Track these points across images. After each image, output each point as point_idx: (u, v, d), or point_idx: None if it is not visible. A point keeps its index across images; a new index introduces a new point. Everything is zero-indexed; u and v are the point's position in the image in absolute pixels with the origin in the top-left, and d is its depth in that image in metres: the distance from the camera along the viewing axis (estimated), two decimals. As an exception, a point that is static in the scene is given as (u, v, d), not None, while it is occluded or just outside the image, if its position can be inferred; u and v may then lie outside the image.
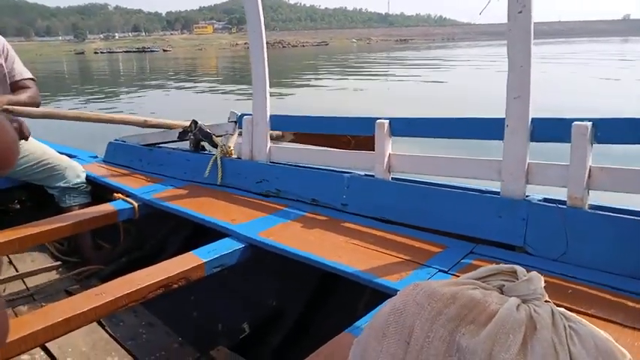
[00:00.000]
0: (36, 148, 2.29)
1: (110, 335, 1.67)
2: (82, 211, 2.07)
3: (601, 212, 1.25)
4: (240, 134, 2.19)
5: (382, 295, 1.17)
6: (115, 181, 2.28)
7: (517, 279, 0.78)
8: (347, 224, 1.64)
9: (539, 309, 0.71)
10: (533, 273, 0.78)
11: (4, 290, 2.01)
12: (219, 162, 2.13)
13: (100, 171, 2.47)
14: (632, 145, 1.26)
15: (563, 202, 1.31)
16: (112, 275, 1.74)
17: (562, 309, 0.75)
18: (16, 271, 2.15)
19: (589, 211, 1.27)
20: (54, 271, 2.19)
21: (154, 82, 18.33)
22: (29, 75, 2.32)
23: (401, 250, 1.41)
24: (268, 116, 2.03)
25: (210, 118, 2.37)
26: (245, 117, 2.11)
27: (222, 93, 12.46)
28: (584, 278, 1.17)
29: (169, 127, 2.49)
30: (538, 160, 1.39)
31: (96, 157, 2.75)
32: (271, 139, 2.17)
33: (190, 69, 27.85)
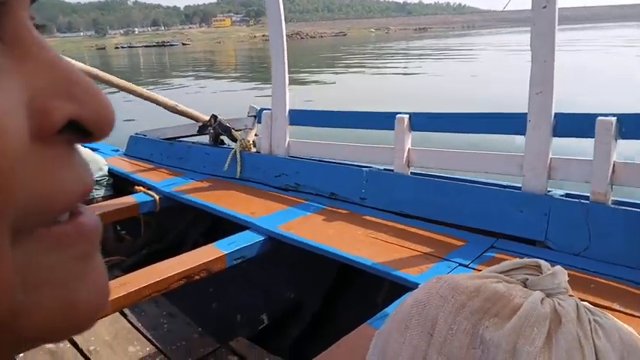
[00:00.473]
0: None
1: (132, 325, 1.70)
2: (104, 203, 2.11)
3: (624, 207, 1.24)
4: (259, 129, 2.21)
5: (401, 287, 1.18)
6: (136, 174, 2.31)
7: (541, 273, 0.78)
8: (366, 218, 1.65)
9: (563, 302, 0.71)
10: (558, 267, 0.78)
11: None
12: (238, 156, 2.15)
13: (122, 164, 2.51)
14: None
15: (585, 198, 1.30)
16: (133, 267, 1.77)
17: (586, 303, 0.75)
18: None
19: (612, 206, 1.26)
20: (77, 263, 2.23)
21: (174, 77, 18.42)
22: None
23: (420, 244, 1.41)
24: (287, 111, 2.04)
25: (230, 112, 2.39)
26: (264, 111, 2.13)
27: (242, 88, 12.49)
28: (606, 273, 1.16)
29: (195, 119, 2.51)
30: (560, 155, 1.38)
31: (117, 150, 2.79)
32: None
33: (209, 63, 27.89)
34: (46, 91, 0.17)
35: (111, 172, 2.40)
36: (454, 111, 1.78)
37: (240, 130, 2.29)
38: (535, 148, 1.39)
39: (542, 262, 0.80)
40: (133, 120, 6.36)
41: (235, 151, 2.17)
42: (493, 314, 0.71)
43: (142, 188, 2.12)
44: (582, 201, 1.29)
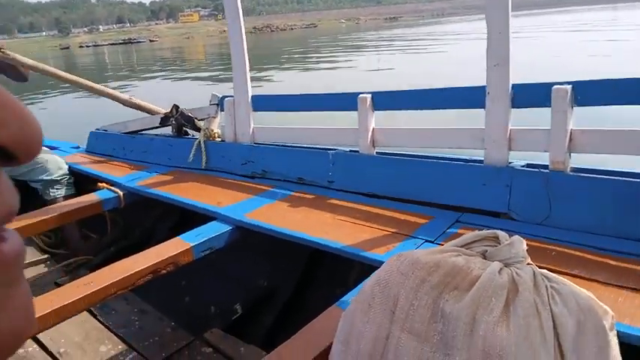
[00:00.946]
0: (15, 142, 2.25)
1: (102, 324, 1.67)
2: (66, 202, 2.05)
3: (583, 174, 1.26)
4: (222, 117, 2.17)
5: (371, 268, 1.18)
6: (98, 171, 2.25)
7: (499, 244, 0.79)
8: (333, 201, 1.64)
9: (520, 272, 0.71)
10: (515, 237, 0.79)
11: (-7, 286, 2.00)
12: (202, 146, 2.11)
13: (83, 161, 2.44)
14: (612, 106, 1.26)
15: (546, 167, 1.32)
16: (100, 265, 1.72)
17: (544, 270, 0.75)
18: (4, 266, 2.13)
19: (571, 174, 1.28)
20: (42, 264, 2.17)
21: (142, 74, 17.93)
22: None
23: (388, 223, 1.41)
24: (250, 97, 2.00)
25: (199, 104, 2.33)
26: (227, 99, 2.09)
27: (213, 80, 12.25)
28: (567, 240, 1.19)
29: (152, 111, 2.45)
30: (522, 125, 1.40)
31: (78, 147, 2.71)
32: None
33: (179, 59, 27.24)
34: None
35: (72, 171, 2.33)
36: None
37: (204, 119, 2.24)
38: (495, 121, 1.40)
39: (501, 233, 0.80)
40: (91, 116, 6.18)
41: (199, 141, 2.12)
42: (453, 287, 0.72)
43: (105, 185, 2.07)
44: (542, 170, 1.31)
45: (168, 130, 2.40)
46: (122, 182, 2.06)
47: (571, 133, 1.28)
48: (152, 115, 2.44)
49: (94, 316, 1.70)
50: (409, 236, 1.32)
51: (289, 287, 1.75)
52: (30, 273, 2.09)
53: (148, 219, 2.31)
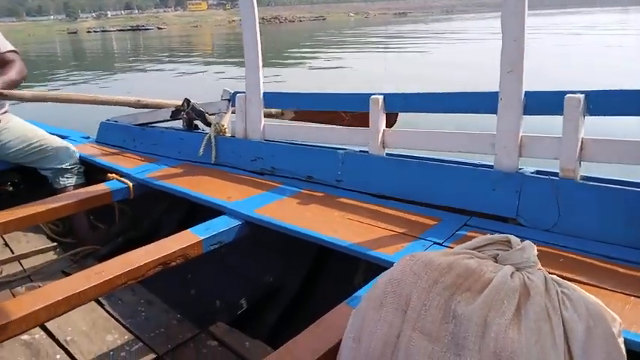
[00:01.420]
0: (27, 131, 2.27)
1: (109, 314, 1.68)
2: (76, 191, 2.07)
3: (592, 183, 1.27)
4: (233, 112, 2.18)
5: (378, 267, 1.19)
6: (108, 162, 2.27)
7: (511, 248, 0.80)
8: (342, 200, 1.66)
9: (532, 276, 0.73)
10: (527, 242, 0.80)
11: (1, 272, 2.02)
12: (212, 141, 2.13)
13: (93, 151, 2.46)
14: (624, 117, 1.27)
15: (556, 174, 1.33)
16: (108, 255, 1.74)
17: (555, 276, 0.77)
18: (12, 253, 2.15)
19: (580, 182, 1.29)
20: (50, 252, 2.19)
21: (149, 62, 17.92)
22: (11, 47, 2.27)
23: (396, 224, 1.43)
24: (262, 94, 2.02)
25: (209, 98, 2.34)
26: (238, 95, 2.10)
27: (221, 72, 12.26)
28: (575, 247, 1.20)
29: (162, 107, 2.47)
30: (532, 133, 1.41)
31: (88, 137, 2.73)
32: (271, 117, 2.16)
33: (187, 47, 27.17)
34: None
35: (82, 160, 2.35)
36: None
37: (214, 114, 2.26)
38: (506, 127, 1.41)
39: (512, 238, 0.82)
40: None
41: (210, 136, 2.14)
42: (465, 289, 0.73)
43: (114, 175, 2.08)
44: (552, 177, 1.32)
45: (178, 124, 2.42)
46: (132, 173, 2.07)
47: (582, 141, 1.29)
48: (163, 109, 2.46)
49: (101, 306, 1.71)
50: (417, 238, 1.33)
51: (295, 284, 1.77)
52: (38, 260, 2.11)
53: (157, 211, 2.33)
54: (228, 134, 2.17)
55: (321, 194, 1.72)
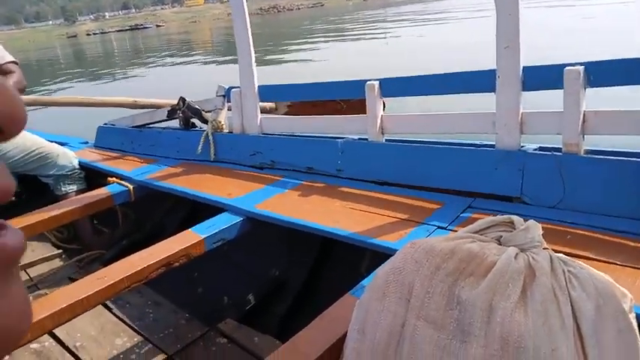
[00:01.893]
0: (26, 139, 2.26)
1: (117, 317, 1.68)
2: (78, 197, 2.06)
3: (597, 156, 1.24)
4: (229, 108, 2.16)
5: (383, 256, 1.17)
6: (108, 165, 2.26)
7: (514, 229, 0.78)
8: (343, 189, 1.64)
9: (537, 256, 0.70)
10: (530, 222, 0.78)
11: (8, 282, 2.02)
12: (210, 138, 2.11)
13: (92, 156, 2.45)
14: (625, 87, 1.24)
15: (559, 150, 1.30)
16: (113, 259, 1.74)
17: (561, 254, 0.74)
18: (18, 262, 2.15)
19: (585, 156, 1.26)
20: (56, 260, 2.19)
21: (149, 61, 17.84)
22: (11, 58, 2.27)
23: (399, 211, 1.41)
24: (256, 87, 1.99)
25: (211, 94, 2.31)
26: (233, 90, 2.07)
27: (223, 68, 12.17)
28: (582, 223, 1.17)
29: (159, 107, 2.45)
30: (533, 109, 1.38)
31: (86, 142, 2.72)
32: (265, 112, 2.14)
33: (186, 44, 26.98)
34: None
35: (82, 166, 2.34)
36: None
37: (211, 111, 2.23)
38: (506, 104, 1.38)
39: (515, 218, 0.79)
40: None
41: (207, 133, 2.12)
42: (468, 274, 0.71)
43: (115, 179, 2.08)
44: (555, 153, 1.29)
45: (175, 123, 2.40)
46: (132, 176, 2.06)
47: (584, 114, 1.26)
48: (159, 109, 2.44)
49: (109, 310, 1.71)
50: (421, 223, 1.31)
51: (301, 276, 1.75)
52: (44, 268, 2.11)
53: (159, 212, 2.32)
54: (226, 130, 2.15)
55: (321, 185, 1.70)
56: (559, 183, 1.27)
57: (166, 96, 2.50)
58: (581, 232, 1.14)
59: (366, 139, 1.70)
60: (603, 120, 1.25)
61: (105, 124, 2.64)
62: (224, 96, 2.17)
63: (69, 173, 2.28)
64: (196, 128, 2.30)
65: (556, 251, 0.76)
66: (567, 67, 1.26)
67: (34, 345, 1.53)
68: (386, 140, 1.68)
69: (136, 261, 1.37)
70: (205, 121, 2.18)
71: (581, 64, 1.26)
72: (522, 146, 1.38)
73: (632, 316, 0.68)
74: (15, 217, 1.77)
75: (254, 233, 1.62)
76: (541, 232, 0.77)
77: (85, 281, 1.33)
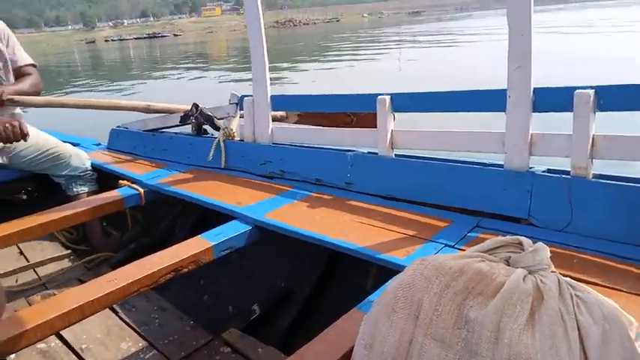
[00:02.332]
0: (39, 138, 2.29)
1: (123, 321, 1.69)
2: (89, 198, 2.09)
3: (605, 181, 1.25)
4: (242, 116, 2.19)
5: (389, 271, 1.18)
6: (119, 168, 2.29)
7: (523, 250, 0.79)
8: (352, 202, 1.65)
9: (545, 279, 0.72)
10: (539, 244, 0.79)
11: (17, 281, 2.04)
12: (222, 145, 2.13)
13: (105, 158, 2.48)
14: (635, 112, 1.25)
15: (567, 173, 1.31)
16: (122, 262, 1.76)
17: (568, 279, 0.76)
18: (27, 261, 2.17)
19: (593, 180, 1.27)
20: (65, 260, 2.21)
21: (166, 68, 18.01)
22: (30, 61, 2.33)
23: (406, 227, 1.42)
24: (269, 97, 2.02)
25: (222, 102, 2.34)
26: (246, 98, 2.10)
27: (237, 76, 12.28)
28: (589, 248, 1.18)
29: (172, 112, 2.48)
30: (542, 130, 1.39)
31: (99, 144, 2.76)
32: (276, 120, 2.16)
33: (203, 54, 27.18)
34: None
35: (94, 167, 2.37)
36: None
37: (223, 118, 2.26)
38: (516, 124, 1.39)
39: (524, 240, 0.80)
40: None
41: (219, 141, 2.14)
42: (477, 293, 0.72)
43: (126, 182, 2.10)
44: (564, 176, 1.30)
45: (187, 129, 2.43)
46: (143, 180, 2.09)
47: (593, 138, 1.27)
48: (172, 114, 2.47)
49: (116, 313, 1.73)
50: (429, 240, 1.32)
51: (307, 288, 1.76)
52: (53, 268, 2.14)
53: (168, 217, 2.34)
54: (237, 138, 2.17)
55: (330, 197, 1.72)
56: (567, 206, 1.28)
57: (180, 103, 2.54)
58: (587, 256, 1.15)
59: (376, 153, 1.72)
60: (612, 144, 1.26)
61: (118, 126, 2.68)
62: (237, 104, 2.20)
63: (81, 174, 2.31)
64: (208, 135, 2.33)
65: (562, 275, 0.77)
66: (578, 90, 1.27)
67: (40, 345, 1.54)
68: (395, 155, 1.69)
69: (145, 265, 1.39)
70: (217, 128, 2.21)
71: (591, 87, 1.27)
72: (531, 167, 1.39)
73: (638, 344, 0.69)
74: (27, 216, 1.79)
75: (262, 242, 1.64)
76: (549, 254, 0.78)
77: (95, 283, 1.35)
